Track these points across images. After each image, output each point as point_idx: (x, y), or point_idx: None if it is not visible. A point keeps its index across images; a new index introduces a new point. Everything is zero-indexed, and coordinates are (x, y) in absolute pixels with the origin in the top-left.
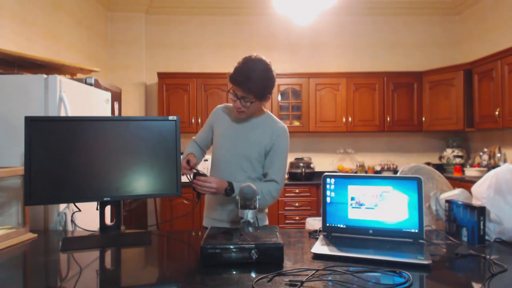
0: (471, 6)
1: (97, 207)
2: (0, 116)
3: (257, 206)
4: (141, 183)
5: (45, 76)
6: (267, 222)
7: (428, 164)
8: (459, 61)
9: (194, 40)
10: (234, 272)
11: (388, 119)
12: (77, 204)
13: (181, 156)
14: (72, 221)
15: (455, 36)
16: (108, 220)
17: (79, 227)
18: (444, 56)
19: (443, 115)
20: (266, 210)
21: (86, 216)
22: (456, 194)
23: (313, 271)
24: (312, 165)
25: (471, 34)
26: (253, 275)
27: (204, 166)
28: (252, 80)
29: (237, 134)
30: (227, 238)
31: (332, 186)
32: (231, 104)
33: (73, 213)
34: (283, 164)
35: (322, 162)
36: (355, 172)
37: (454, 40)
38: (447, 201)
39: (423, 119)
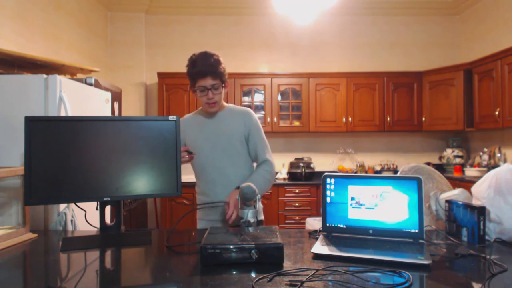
0: (471, 6)
1: (97, 207)
2: (0, 116)
3: (257, 206)
4: (141, 183)
5: (45, 76)
6: (262, 217)
7: (428, 164)
8: (459, 61)
9: (194, 40)
10: (234, 272)
11: (388, 119)
12: (77, 204)
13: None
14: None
15: (455, 36)
16: (108, 220)
17: (91, 225)
18: (444, 56)
19: (443, 115)
20: (261, 205)
21: (86, 216)
22: (456, 194)
23: (313, 271)
24: (312, 165)
25: (471, 34)
26: (253, 275)
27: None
28: (215, 65)
29: (211, 132)
30: (227, 238)
31: (332, 186)
32: (189, 114)
33: (85, 213)
34: (264, 140)
35: (322, 162)
36: (355, 172)
37: (454, 40)
38: (447, 201)
39: (423, 119)
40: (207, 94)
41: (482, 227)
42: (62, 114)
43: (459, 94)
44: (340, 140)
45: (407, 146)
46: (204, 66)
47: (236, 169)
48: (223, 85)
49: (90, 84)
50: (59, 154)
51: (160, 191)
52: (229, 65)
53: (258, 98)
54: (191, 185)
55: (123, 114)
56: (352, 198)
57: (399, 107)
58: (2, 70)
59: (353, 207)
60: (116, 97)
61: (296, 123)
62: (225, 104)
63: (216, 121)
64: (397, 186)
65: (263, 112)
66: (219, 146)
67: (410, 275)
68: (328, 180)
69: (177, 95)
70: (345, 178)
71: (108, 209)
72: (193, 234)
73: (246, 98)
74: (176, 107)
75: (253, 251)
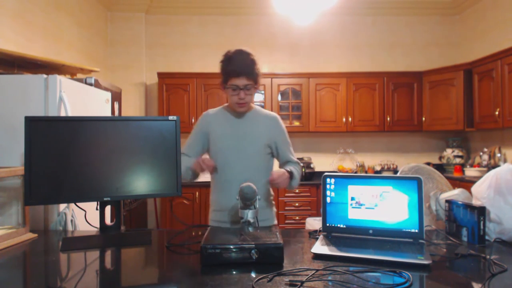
0: (471, 6)
1: (97, 207)
2: (0, 116)
3: (257, 206)
4: (141, 183)
5: (45, 76)
6: (275, 221)
7: (428, 164)
8: (459, 61)
9: (194, 40)
10: (234, 272)
11: (388, 119)
12: (78, 204)
13: (182, 167)
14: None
15: (455, 36)
16: (108, 220)
17: (91, 225)
18: (444, 56)
19: (443, 115)
20: (275, 209)
21: (86, 216)
22: (456, 194)
23: (313, 271)
24: (312, 165)
25: (471, 34)
26: (253, 275)
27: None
28: (251, 65)
29: (238, 132)
30: (227, 238)
31: (332, 186)
32: (214, 109)
33: (85, 213)
34: (290, 146)
35: (322, 162)
36: (355, 172)
37: (454, 40)
38: (447, 201)
39: (423, 119)
40: (239, 93)
41: (482, 227)
42: (62, 114)
43: (459, 94)
44: (340, 140)
45: (407, 146)
46: (240, 66)
47: (254, 172)
48: (256, 86)
49: (90, 84)
50: (59, 154)
51: (160, 191)
52: None
53: (258, 98)
54: (191, 185)
55: (123, 114)
56: (352, 198)
57: (399, 107)
58: (2, 70)
59: (353, 207)
60: (116, 97)
61: (296, 123)
62: (252, 104)
63: (244, 122)
64: (397, 186)
65: None
66: (243, 148)
67: (410, 275)
68: (328, 180)
69: (177, 95)
70: (345, 178)
71: (108, 209)
72: (193, 234)
73: None
74: (176, 107)
75: (253, 251)
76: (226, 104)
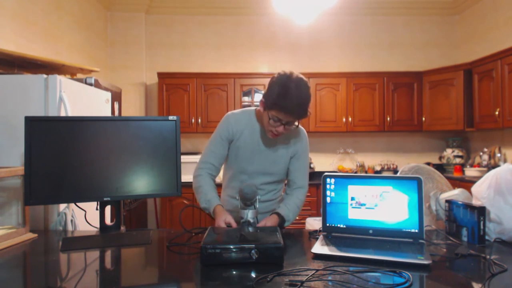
0: (471, 6)
1: (97, 207)
2: (0, 116)
3: (257, 206)
4: (141, 183)
5: (45, 76)
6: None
7: (428, 164)
8: (459, 61)
9: (194, 40)
10: (234, 272)
11: (388, 119)
12: (78, 204)
13: (201, 196)
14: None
15: (455, 36)
16: (108, 220)
17: (91, 225)
18: (444, 56)
19: (443, 115)
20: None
21: (86, 216)
22: (456, 194)
23: (313, 271)
24: (312, 165)
25: (471, 34)
26: (253, 275)
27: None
28: (305, 106)
29: (261, 148)
30: (227, 238)
31: (332, 186)
32: (237, 111)
33: (85, 213)
34: (307, 167)
35: (322, 162)
36: (355, 172)
37: (454, 40)
38: (447, 201)
39: (423, 119)
40: (278, 126)
41: (482, 227)
42: (62, 114)
43: (459, 94)
44: (340, 140)
45: (407, 146)
46: (294, 105)
47: (268, 186)
48: (298, 123)
49: (90, 84)
50: (59, 154)
51: (160, 191)
52: (229, 65)
53: (258, 98)
54: (191, 185)
55: (123, 114)
56: (352, 198)
57: (399, 107)
58: (2, 70)
59: (353, 207)
60: (116, 97)
61: (296, 123)
62: None
63: (270, 140)
64: (397, 186)
65: None
66: (263, 163)
67: (410, 275)
68: (328, 180)
69: (177, 95)
70: (345, 178)
71: (108, 209)
72: (193, 234)
73: (246, 98)
74: (176, 107)
75: (253, 251)
76: (255, 109)
